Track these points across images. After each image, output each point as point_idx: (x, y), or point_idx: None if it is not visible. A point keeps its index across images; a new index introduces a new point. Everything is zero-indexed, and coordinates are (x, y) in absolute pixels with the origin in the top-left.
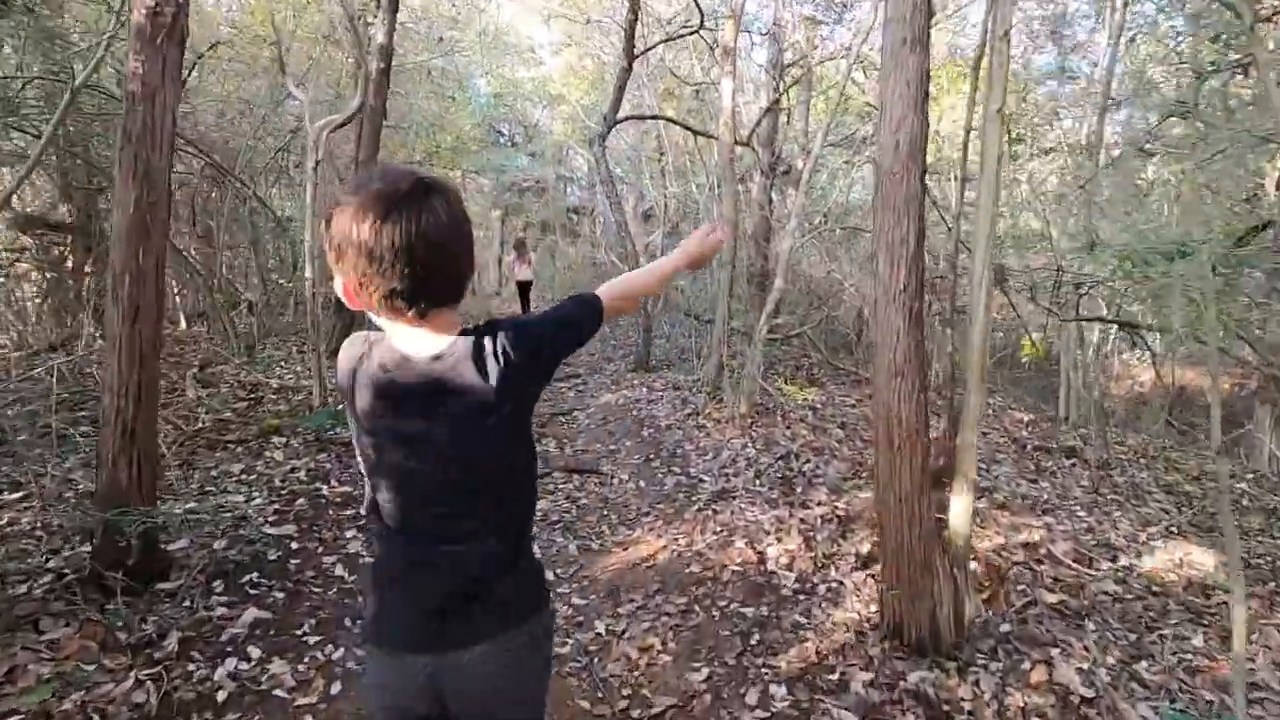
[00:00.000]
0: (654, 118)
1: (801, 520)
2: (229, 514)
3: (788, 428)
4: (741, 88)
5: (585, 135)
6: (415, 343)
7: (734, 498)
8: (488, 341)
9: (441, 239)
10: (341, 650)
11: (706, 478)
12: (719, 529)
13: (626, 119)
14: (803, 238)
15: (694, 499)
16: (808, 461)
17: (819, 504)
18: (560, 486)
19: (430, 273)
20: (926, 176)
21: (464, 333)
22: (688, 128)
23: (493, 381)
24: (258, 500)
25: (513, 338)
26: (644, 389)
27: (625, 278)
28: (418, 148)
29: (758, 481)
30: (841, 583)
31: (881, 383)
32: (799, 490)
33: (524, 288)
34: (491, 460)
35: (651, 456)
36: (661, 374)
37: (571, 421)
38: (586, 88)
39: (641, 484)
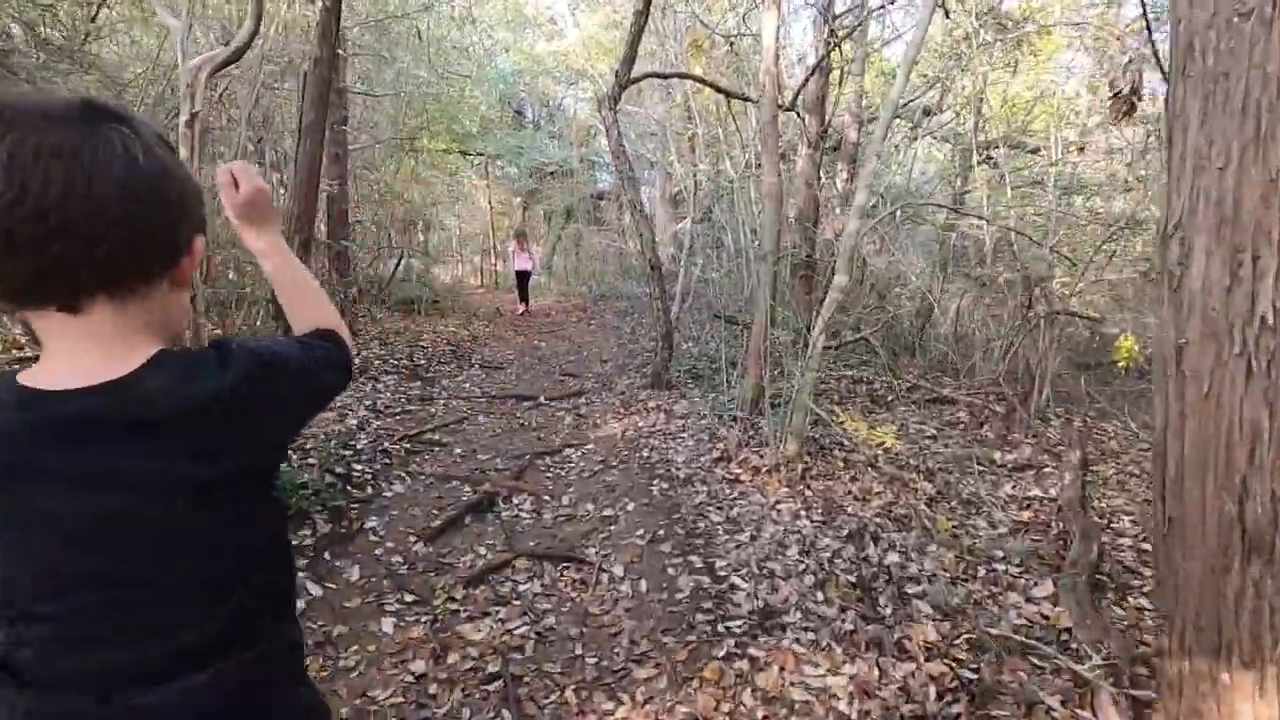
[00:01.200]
0: (677, 76)
1: (900, 689)
2: None
3: (853, 479)
4: (785, 38)
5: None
6: (66, 365)
7: (783, 627)
8: (204, 373)
9: (118, 184)
10: None
11: (741, 581)
12: (758, 702)
13: (643, 77)
14: (873, 220)
15: (721, 630)
16: (891, 548)
17: (925, 646)
18: (521, 587)
19: (99, 238)
20: None
21: (162, 355)
22: (719, 89)
23: (210, 432)
24: None
25: (247, 368)
26: (660, 415)
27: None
28: (408, 120)
29: (819, 593)
30: None
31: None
32: (886, 610)
33: (522, 278)
34: (201, 552)
35: (661, 532)
36: (684, 393)
37: (561, 464)
38: (611, 61)
39: (643, 586)
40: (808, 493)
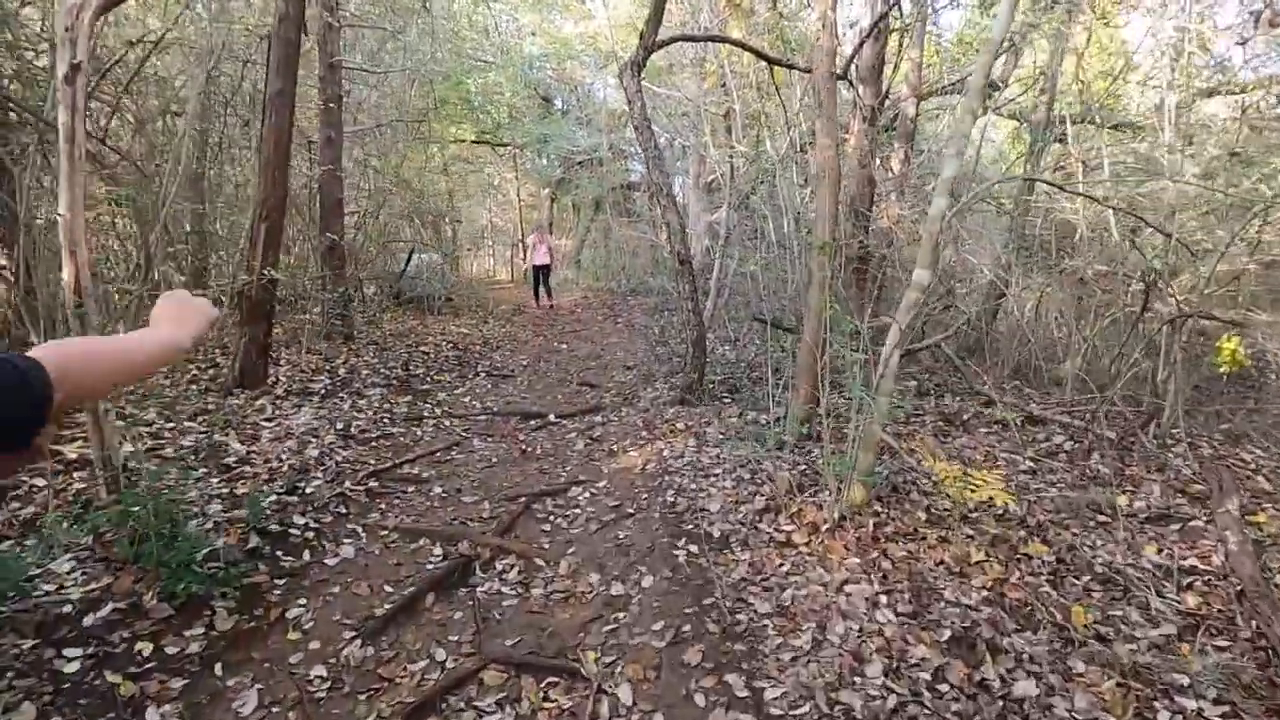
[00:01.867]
0: (711, 39)
1: None
2: None
3: (942, 539)
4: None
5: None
6: None
7: None
8: None
9: None
10: None
11: None
12: None
13: (673, 40)
14: (956, 203)
15: None
16: (1018, 663)
17: None
18: None
19: None
20: None
21: None
22: (761, 54)
23: None
24: None
25: None
26: (690, 441)
27: (96, 342)
28: (416, 101)
29: None
30: None
31: None
32: None
33: (541, 273)
34: None
35: (688, 629)
36: (719, 411)
37: (564, 509)
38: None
39: None
40: (885, 564)
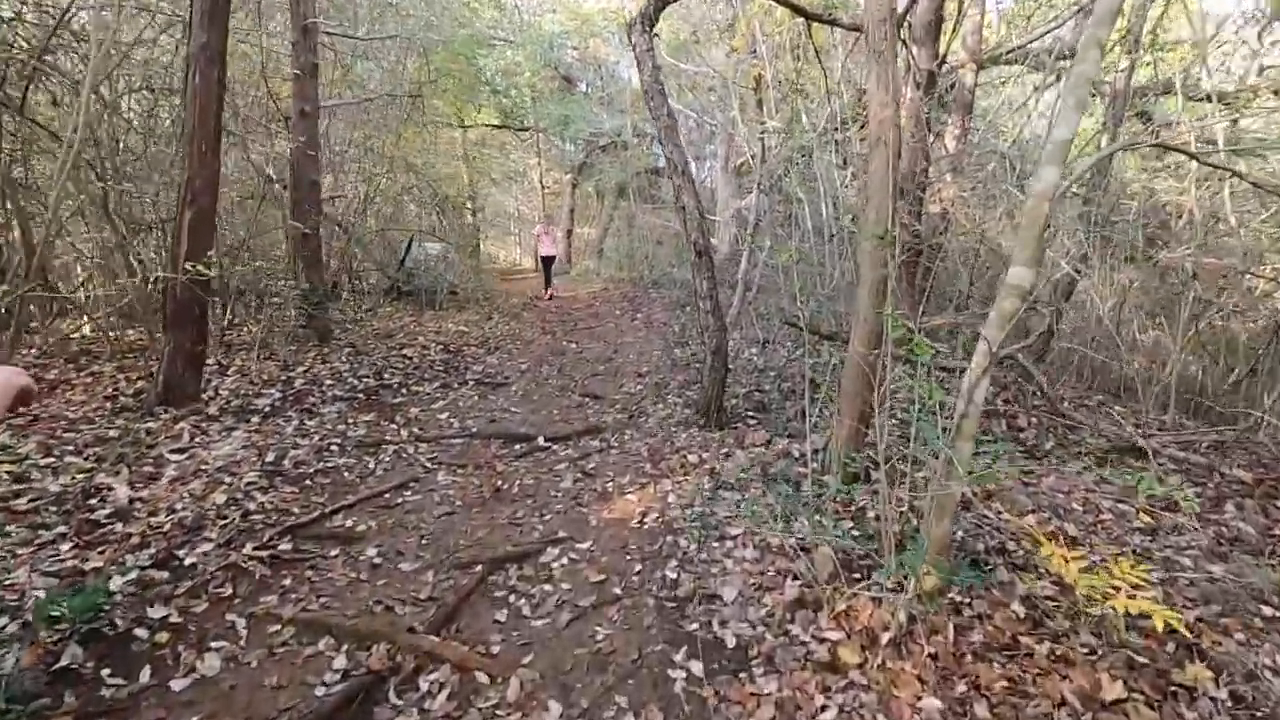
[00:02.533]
0: None
1: None
2: None
3: (1054, 656)
4: None
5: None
6: None
7: None
8: None
9: None
10: None
11: None
12: None
13: None
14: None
15: None
16: None
17: None
18: None
19: None
20: None
21: None
22: (796, 8)
23: None
24: None
25: None
26: (704, 481)
27: None
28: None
29: None
30: None
31: None
32: None
33: (547, 263)
34: None
35: None
36: (742, 437)
37: (528, 586)
38: (674, 20)
39: None
40: (981, 709)
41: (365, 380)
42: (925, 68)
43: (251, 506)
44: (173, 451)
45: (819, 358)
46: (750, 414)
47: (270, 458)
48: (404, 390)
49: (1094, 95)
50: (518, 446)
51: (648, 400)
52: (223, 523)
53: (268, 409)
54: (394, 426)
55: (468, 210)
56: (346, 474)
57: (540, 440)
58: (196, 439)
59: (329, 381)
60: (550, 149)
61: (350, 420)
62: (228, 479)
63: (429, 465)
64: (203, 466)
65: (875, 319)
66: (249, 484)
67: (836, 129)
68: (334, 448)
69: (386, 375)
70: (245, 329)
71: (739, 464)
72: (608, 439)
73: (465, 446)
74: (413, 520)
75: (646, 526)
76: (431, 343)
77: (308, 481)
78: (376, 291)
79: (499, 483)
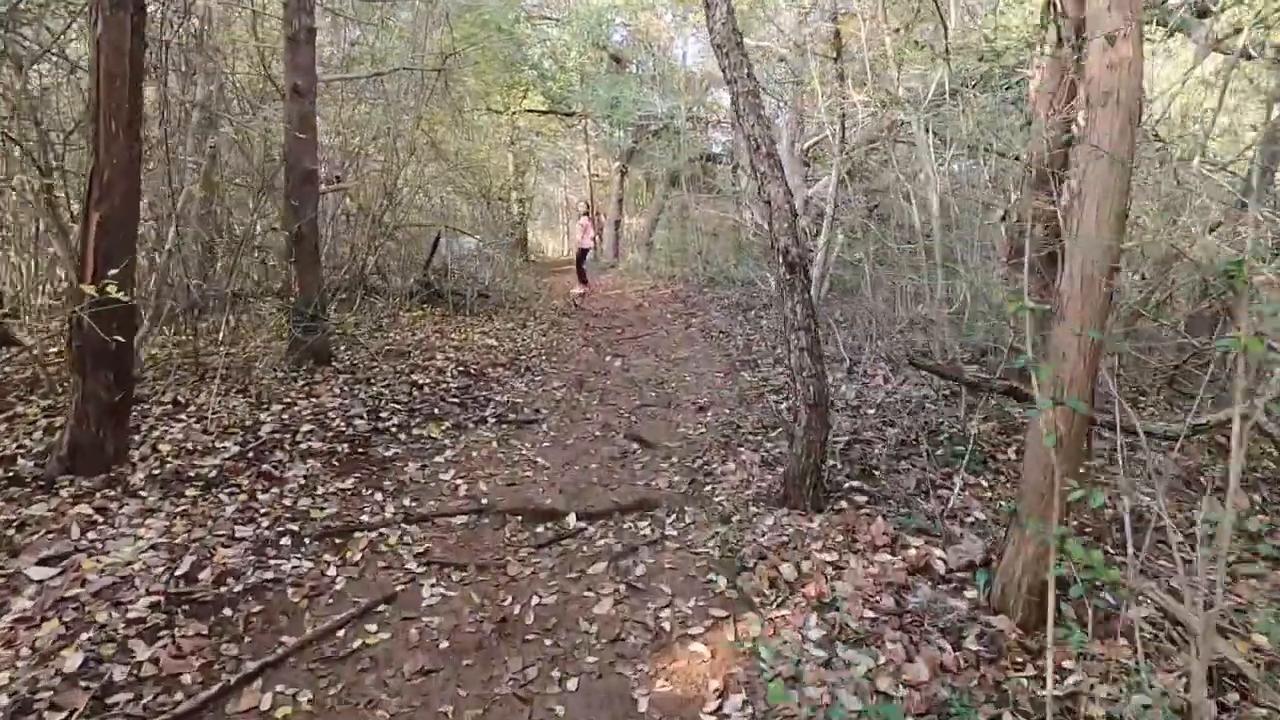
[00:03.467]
0: None
1: None
2: None
3: None
4: None
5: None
6: None
7: None
8: None
9: None
10: None
11: None
12: None
13: None
14: None
15: None
16: None
17: None
18: None
19: None
20: None
21: None
22: None
23: None
24: None
25: None
26: (810, 620)
27: None
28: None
29: None
30: None
31: None
32: None
33: (581, 257)
34: None
35: None
36: (852, 526)
37: None
38: None
39: None
40: None
41: (356, 423)
42: (1075, 13)
43: (119, 676)
44: (43, 560)
45: (956, 420)
46: (854, 484)
47: (185, 566)
48: (404, 435)
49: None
50: (541, 529)
51: (713, 452)
52: (58, 718)
53: (213, 474)
54: (378, 498)
55: (514, 200)
56: (290, 592)
57: (571, 520)
58: (90, 533)
59: (308, 426)
60: (598, 135)
61: (321, 489)
62: (105, 615)
63: (413, 570)
64: (78, 589)
65: (1087, 379)
66: (133, 622)
67: (947, 96)
68: (284, 542)
69: (385, 413)
70: (231, 349)
71: (857, 584)
72: (662, 521)
73: (470, 529)
74: (370, 689)
75: (724, 714)
76: (451, 361)
77: (227, 611)
78: (402, 294)
79: (508, 601)
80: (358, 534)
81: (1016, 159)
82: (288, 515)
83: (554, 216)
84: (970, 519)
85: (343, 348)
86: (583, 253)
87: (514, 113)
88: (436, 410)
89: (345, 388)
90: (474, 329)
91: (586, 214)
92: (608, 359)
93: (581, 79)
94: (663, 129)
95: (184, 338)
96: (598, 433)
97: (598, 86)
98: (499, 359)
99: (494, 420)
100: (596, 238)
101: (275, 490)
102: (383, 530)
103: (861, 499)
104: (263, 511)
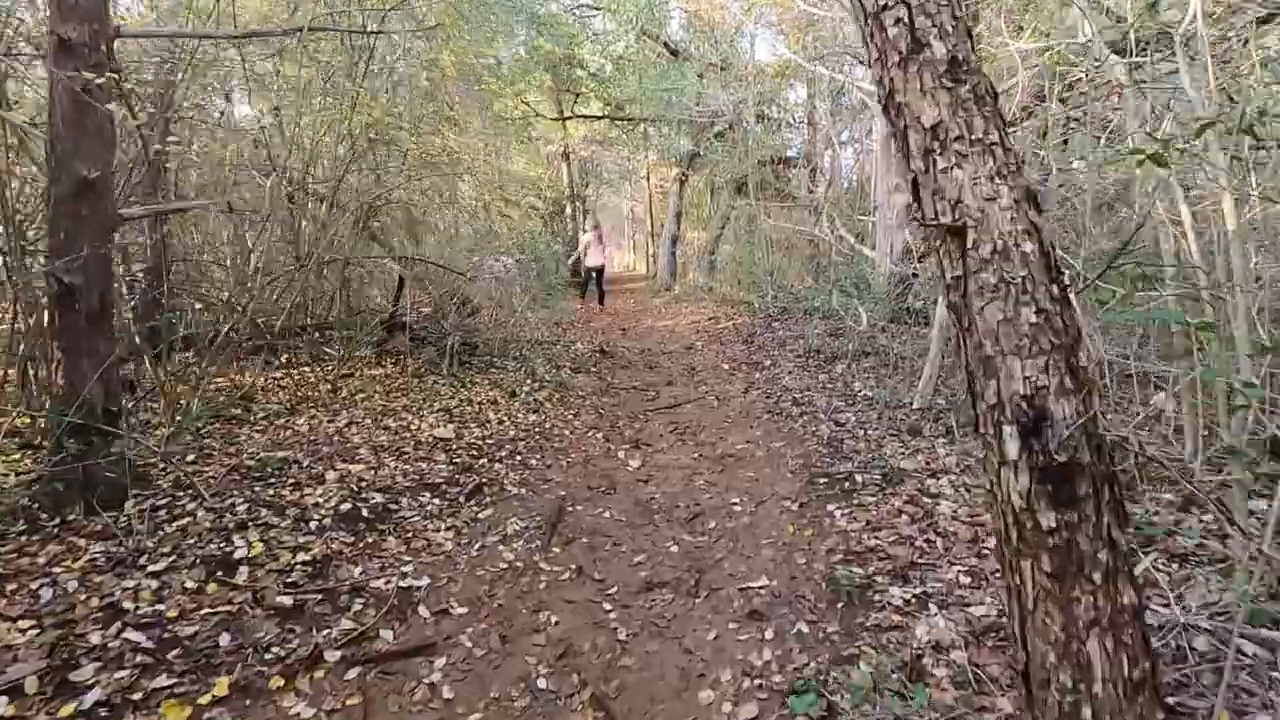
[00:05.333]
0: None
1: None
2: None
3: None
4: None
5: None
6: None
7: None
8: None
9: None
10: None
11: None
12: None
13: None
14: None
15: None
16: None
17: None
18: None
19: None
20: None
21: None
22: None
23: None
24: None
25: None
26: None
27: None
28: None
29: None
30: None
31: None
32: None
33: (597, 274)
34: None
35: None
36: None
37: None
38: None
39: None
40: None
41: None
42: None
43: None
44: None
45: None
46: None
47: None
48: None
49: None
50: None
51: None
52: None
53: None
54: None
55: (566, 217)
56: None
57: None
58: None
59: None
60: (656, 139)
61: None
62: None
63: None
64: None
65: None
66: None
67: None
68: None
69: (91, 659)
70: None
71: None
72: None
73: None
74: None
75: None
76: (344, 486)
77: None
78: (369, 342)
79: None
80: None
81: None
82: None
83: (619, 229)
84: None
85: (190, 457)
86: (599, 272)
87: (566, 119)
88: (227, 634)
89: (95, 566)
90: (437, 402)
91: (596, 228)
92: (622, 453)
93: (639, 76)
94: (727, 129)
95: None
96: (544, 682)
97: (650, 81)
98: (438, 470)
99: (340, 656)
100: (610, 252)
101: None
102: None
103: None
104: None
